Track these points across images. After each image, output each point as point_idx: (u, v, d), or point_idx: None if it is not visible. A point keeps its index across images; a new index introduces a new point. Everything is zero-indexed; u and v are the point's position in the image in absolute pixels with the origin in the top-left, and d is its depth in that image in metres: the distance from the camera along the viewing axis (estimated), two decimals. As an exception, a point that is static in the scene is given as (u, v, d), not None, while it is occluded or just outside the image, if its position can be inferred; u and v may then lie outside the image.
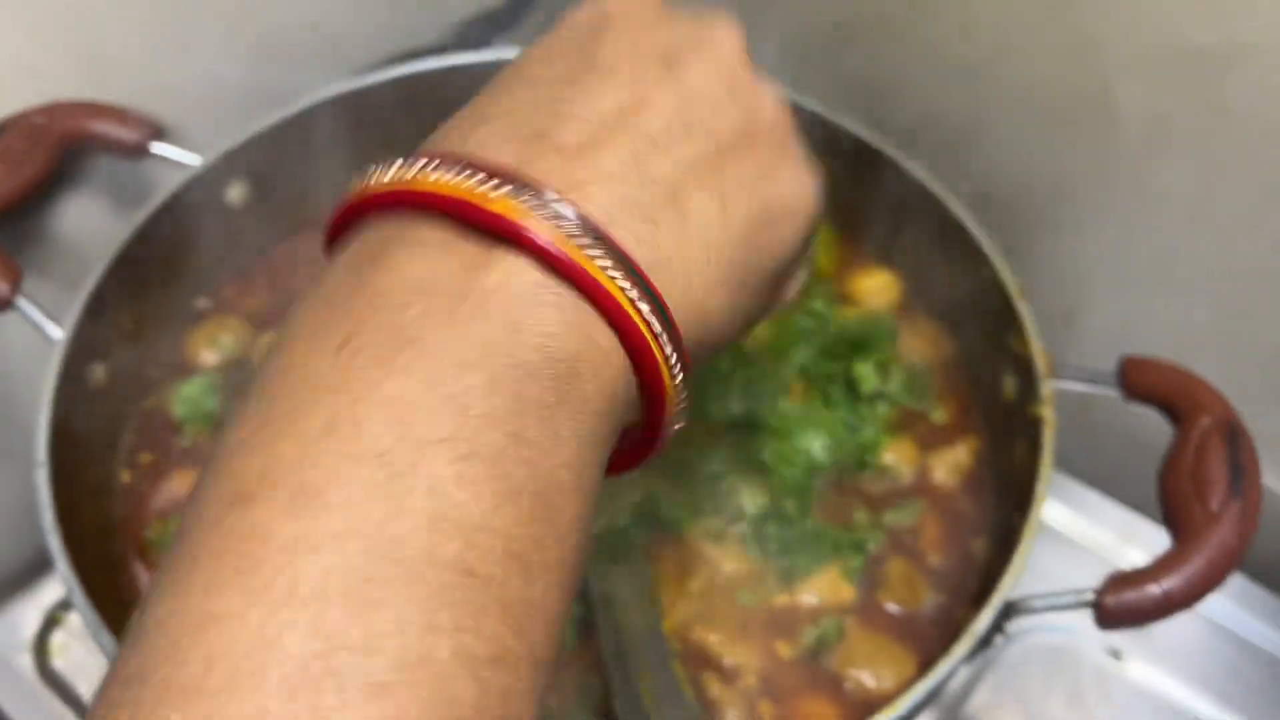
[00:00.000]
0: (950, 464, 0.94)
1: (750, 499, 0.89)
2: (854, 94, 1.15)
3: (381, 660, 0.31)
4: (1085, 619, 0.77)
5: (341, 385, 0.35)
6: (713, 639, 0.82)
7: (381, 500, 0.33)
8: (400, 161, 0.40)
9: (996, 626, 0.78)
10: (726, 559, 0.86)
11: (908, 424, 0.97)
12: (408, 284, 0.37)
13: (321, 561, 0.32)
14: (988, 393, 0.97)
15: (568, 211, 0.38)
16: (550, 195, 0.38)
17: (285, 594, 0.31)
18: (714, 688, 0.80)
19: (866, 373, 0.97)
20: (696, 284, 0.43)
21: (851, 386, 0.96)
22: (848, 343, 0.99)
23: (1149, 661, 1.05)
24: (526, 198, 0.37)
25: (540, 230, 0.37)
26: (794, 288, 0.56)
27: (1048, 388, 0.86)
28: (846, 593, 0.85)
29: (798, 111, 1.07)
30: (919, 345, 1.01)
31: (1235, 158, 0.94)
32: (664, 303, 0.40)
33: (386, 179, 0.40)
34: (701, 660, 0.81)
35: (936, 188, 1.00)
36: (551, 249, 0.37)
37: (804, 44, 1.17)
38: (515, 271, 0.37)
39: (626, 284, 0.38)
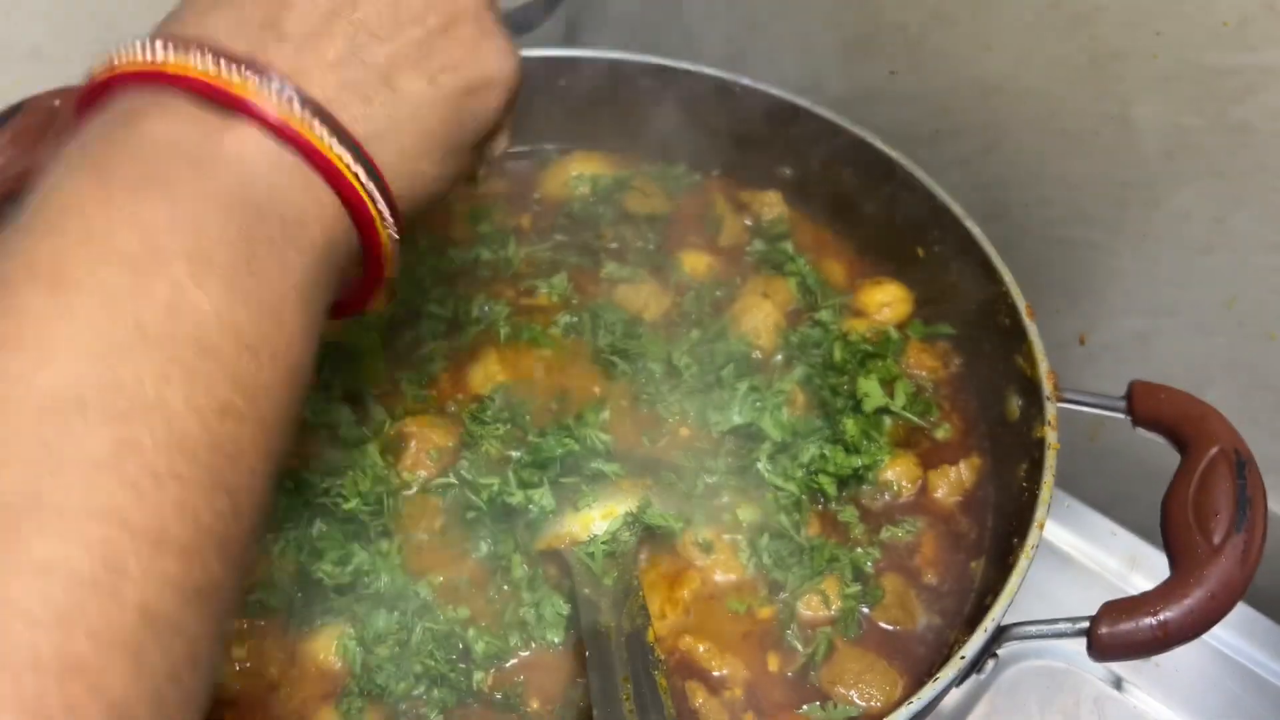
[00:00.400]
0: (952, 482, 0.93)
1: (745, 510, 0.88)
2: (870, 105, 1.14)
3: (122, 399, 0.39)
4: (1084, 646, 0.76)
5: (97, 208, 0.43)
6: (700, 648, 0.82)
7: (127, 290, 0.41)
8: (143, 43, 0.48)
9: (988, 651, 0.77)
10: (718, 569, 0.85)
11: (911, 440, 0.96)
12: (159, 140, 0.46)
13: (75, 326, 0.40)
14: (993, 412, 0.96)
15: (292, 93, 0.47)
16: (277, 80, 0.47)
17: (40, 350, 0.39)
18: (699, 697, 0.79)
19: (871, 388, 0.95)
20: (409, 151, 0.53)
21: (855, 400, 0.95)
22: (854, 355, 0.98)
23: (1150, 691, 1.03)
24: (260, 81, 0.47)
25: (270, 108, 0.47)
26: (499, 148, 0.65)
27: (1053, 409, 0.85)
28: (839, 608, 0.84)
29: (812, 120, 1.07)
30: (926, 360, 1.00)
31: (1256, 180, 0.92)
32: (376, 167, 0.50)
33: (137, 58, 0.48)
34: (688, 669, 0.81)
35: (950, 202, 0.99)
36: (281, 124, 0.47)
37: (821, 55, 1.16)
38: (250, 139, 0.46)
39: (343, 151, 0.48)
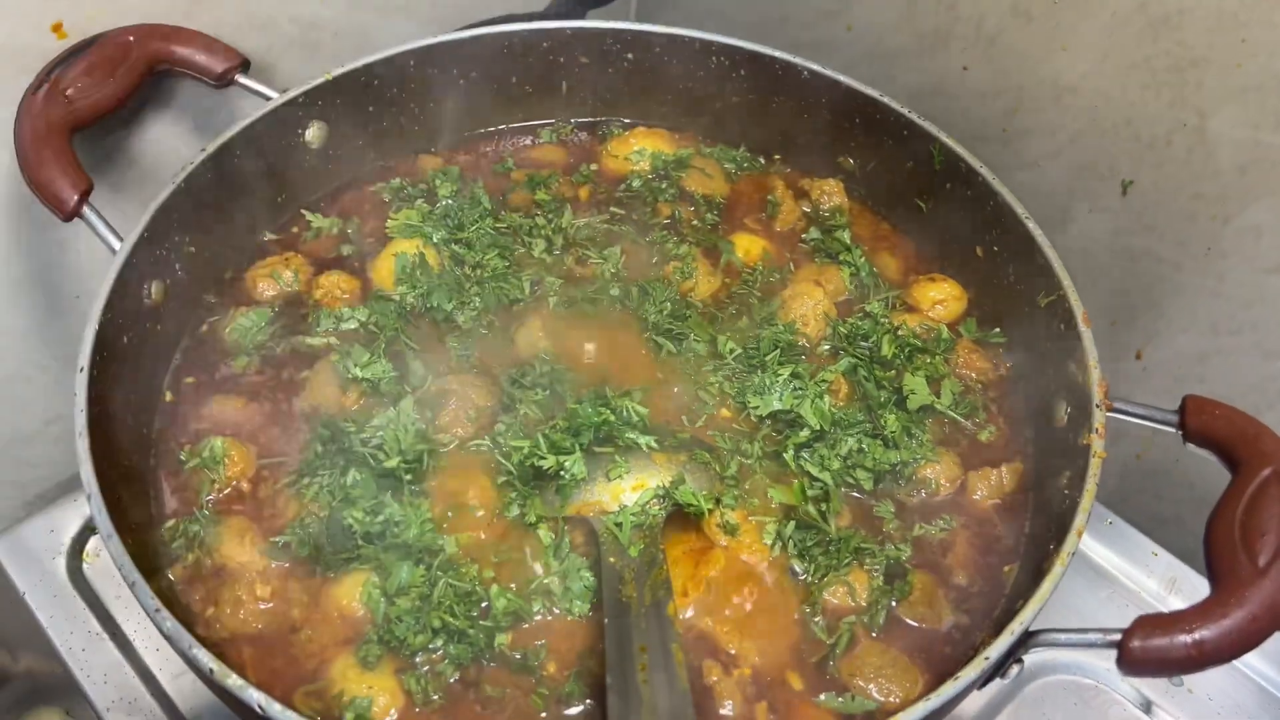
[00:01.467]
0: (992, 485, 0.91)
1: (777, 495, 0.87)
2: (938, 102, 1.12)
3: None
4: (1113, 662, 0.74)
5: None
6: (721, 629, 0.81)
7: None
8: None
9: (1014, 655, 0.75)
10: (743, 551, 0.85)
11: (953, 439, 0.94)
12: None
13: None
14: (1040, 417, 0.93)
15: None
16: None
17: None
18: (714, 674, 0.78)
19: (917, 385, 0.94)
20: None
21: (900, 395, 0.94)
22: (902, 350, 0.97)
23: (1179, 718, 1.00)
24: None
25: None
26: None
27: (1101, 417, 0.83)
28: (865, 599, 0.83)
29: (879, 111, 1.05)
30: (975, 361, 0.98)
31: (1334, 202, 0.89)
32: None
33: None
34: (706, 647, 0.80)
35: (1014, 202, 0.96)
36: None
37: (894, 46, 1.14)
38: None
39: None
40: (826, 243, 1.07)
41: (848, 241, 1.06)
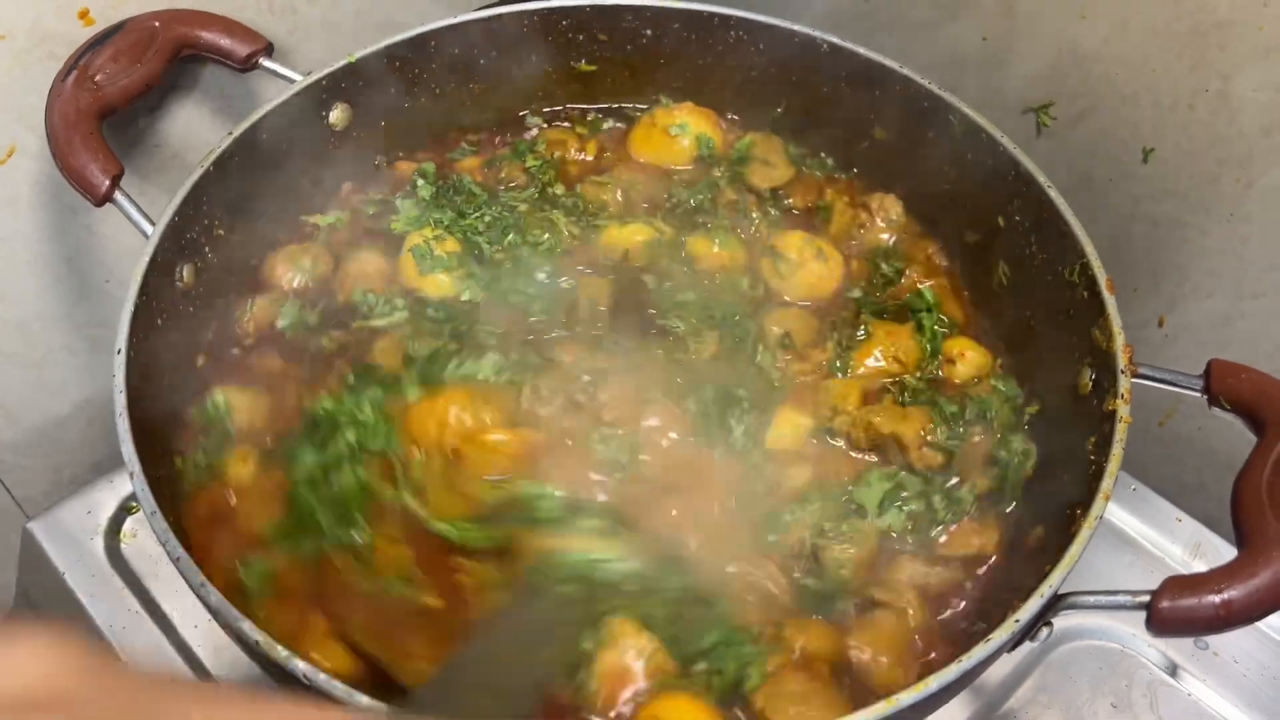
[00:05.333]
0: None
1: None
2: (958, 69, 1.12)
3: None
4: (1142, 628, 0.74)
5: None
6: None
7: None
8: None
9: (1043, 617, 0.76)
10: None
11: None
12: None
13: None
14: (1064, 387, 0.94)
15: None
16: None
17: None
18: None
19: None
20: None
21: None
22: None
23: (1206, 680, 1.01)
24: None
25: None
26: None
27: (1126, 383, 0.83)
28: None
29: (894, 78, 1.04)
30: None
31: (1359, 163, 0.89)
32: None
33: None
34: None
35: (1035, 170, 0.96)
36: None
37: (909, 16, 1.14)
38: None
39: None
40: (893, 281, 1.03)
41: (930, 300, 1.01)
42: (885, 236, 1.07)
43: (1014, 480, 0.91)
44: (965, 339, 0.99)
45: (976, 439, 0.93)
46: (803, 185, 1.11)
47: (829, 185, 1.12)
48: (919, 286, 1.03)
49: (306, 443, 0.85)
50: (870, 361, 0.97)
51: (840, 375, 0.96)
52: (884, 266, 1.04)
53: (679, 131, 1.11)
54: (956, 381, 0.97)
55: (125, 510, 1.08)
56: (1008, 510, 0.90)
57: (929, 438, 0.91)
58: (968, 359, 0.98)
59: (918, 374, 0.97)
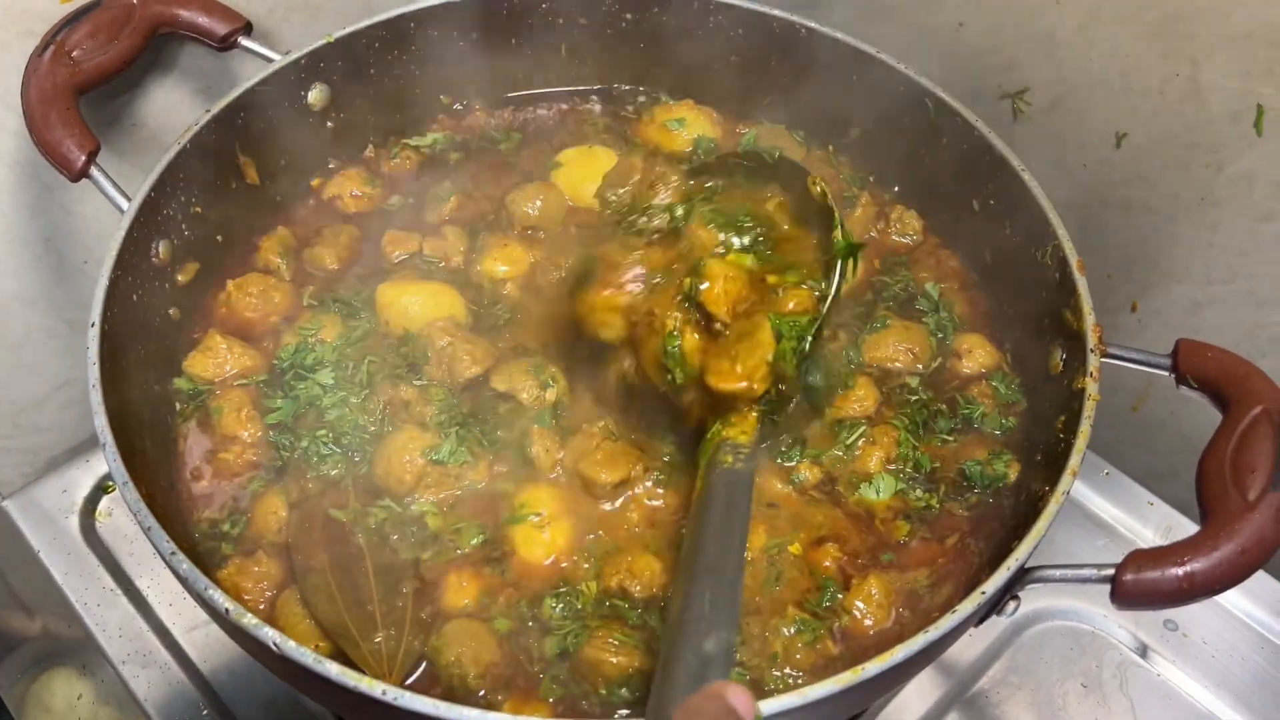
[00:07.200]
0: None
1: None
2: (935, 58, 1.13)
3: None
4: (1112, 609, 0.75)
5: None
6: None
7: None
8: None
9: (1009, 590, 0.77)
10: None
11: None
12: None
13: None
14: (1035, 368, 0.95)
15: None
16: None
17: None
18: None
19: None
20: None
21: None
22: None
23: (1175, 660, 1.02)
24: None
25: None
26: None
27: (1095, 361, 0.84)
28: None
29: (878, 69, 1.04)
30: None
31: (1325, 148, 0.90)
32: None
33: None
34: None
35: (1009, 154, 0.97)
36: None
37: (886, 1, 1.15)
38: None
39: None
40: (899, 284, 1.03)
41: (937, 298, 1.02)
42: (899, 239, 1.08)
43: (991, 488, 0.91)
44: (975, 335, 0.99)
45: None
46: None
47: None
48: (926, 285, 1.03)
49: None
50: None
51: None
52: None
53: (678, 127, 1.12)
54: (965, 373, 0.97)
55: (101, 490, 1.08)
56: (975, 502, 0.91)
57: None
58: (975, 355, 0.98)
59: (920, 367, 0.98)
